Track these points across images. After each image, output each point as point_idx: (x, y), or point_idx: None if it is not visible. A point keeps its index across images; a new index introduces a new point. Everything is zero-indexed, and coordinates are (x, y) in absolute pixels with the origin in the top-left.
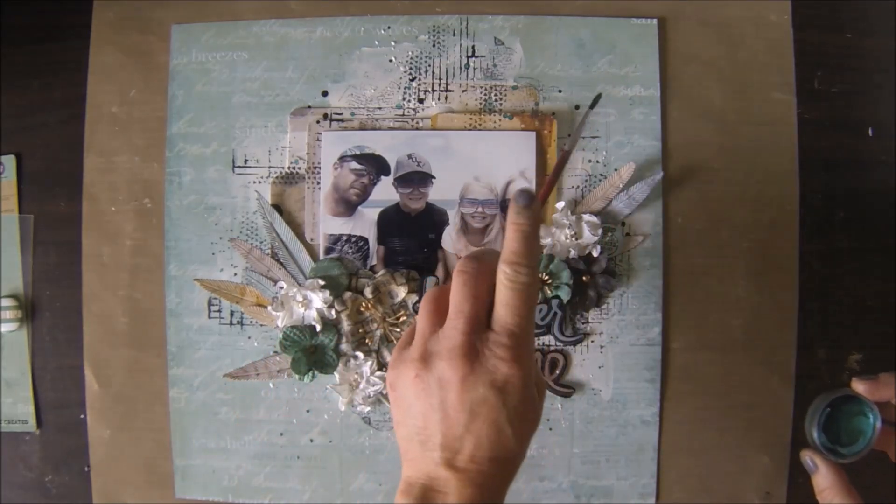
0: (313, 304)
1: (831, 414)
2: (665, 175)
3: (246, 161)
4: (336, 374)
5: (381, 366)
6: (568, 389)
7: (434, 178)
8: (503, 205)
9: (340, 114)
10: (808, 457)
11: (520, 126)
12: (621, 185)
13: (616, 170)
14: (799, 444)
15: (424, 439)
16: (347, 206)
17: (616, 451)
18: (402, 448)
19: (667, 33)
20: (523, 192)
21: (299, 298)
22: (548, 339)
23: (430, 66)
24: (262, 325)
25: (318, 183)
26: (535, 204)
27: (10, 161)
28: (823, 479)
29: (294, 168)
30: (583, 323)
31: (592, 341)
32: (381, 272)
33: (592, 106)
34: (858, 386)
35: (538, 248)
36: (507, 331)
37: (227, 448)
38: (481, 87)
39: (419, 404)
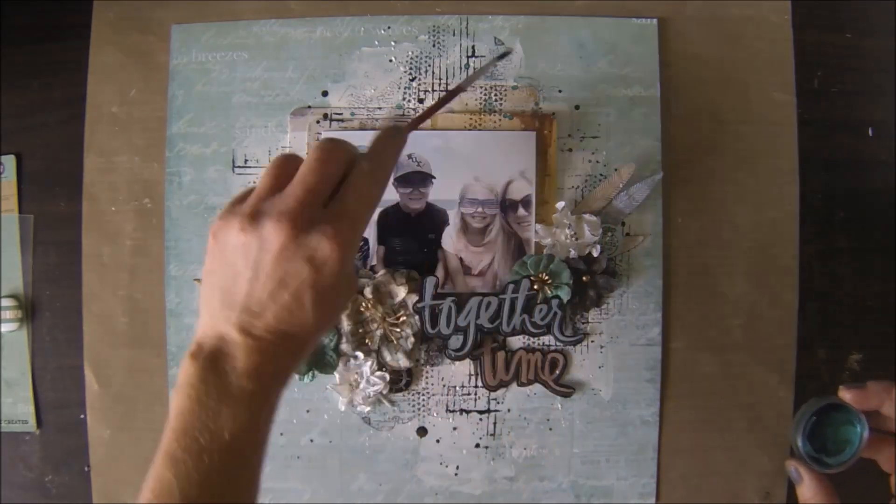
0: None
1: (817, 422)
2: (665, 175)
3: (246, 161)
4: (336, 374)
5: (381, 366)
6: (568, 389)
7: (434, 178)
8: (503, 205)
9: (340, 114)
10: (792, 467)
11: (520, 126)
12: (621, 185)
13: (616, 170)
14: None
15: (228, 296)
16: None
17: (616, 451)
18: (202, 301)
19: (667, 33)
20: (393, 125)
21: None
22: (548, 339)
23: (430, 66)
24: None
25: None
26: (400, 135)
27: (10, 161)
28: (808, 489)
29: None
30: (583, 323)
31: (592, 341)
32: (381, 272)
33: (500, 58)
34: (846, 394)
35: (392, 166)
36: (344, 211)
37: None
38: (481, 87)
39: (234, 259)
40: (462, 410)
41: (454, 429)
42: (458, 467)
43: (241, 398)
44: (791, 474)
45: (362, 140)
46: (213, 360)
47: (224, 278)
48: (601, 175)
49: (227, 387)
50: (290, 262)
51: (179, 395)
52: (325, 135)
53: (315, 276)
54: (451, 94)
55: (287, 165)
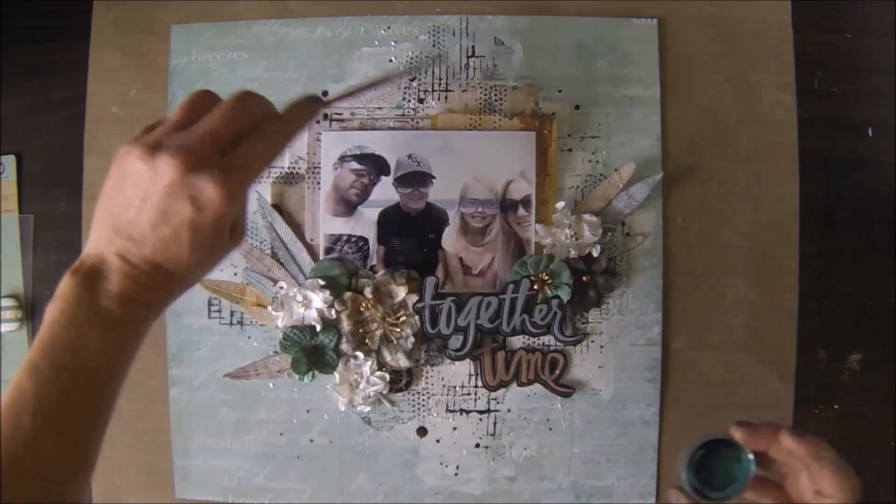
0: (313, 304)
1: (706, 455)
2: (665, 175)
3: None
4: (336, 374)
5: (381, 366)
6: (568, 389)
7: (434, 178)
8: (503, 205)
9: (340, 114)
10: (673, 496)
11: (520, 126)
12: (621, 185)
13: (616, 170)
14: None
15: (115, 220)
16: (347, 206)
17: (616, 451)
18: (94, 220)
19: (667, 33)
20: (311, 95)
21: (299, 298)
22: (548, 339)
23: (430, 65)
24: (262, 325)
25: (318, 183)
26: (317, 103)
27: (10, 161)
28: None
29: (294, 168)
30: (583, 323)
31: (592, 341)
32: (381, 272)
33: (436, 57)
34: (737, 432)
35: (298, 131)
36: (237, 163)
37: (227, 448)
38: (481, 87)
39: (128, 186)
40: (462, 410)
41: (454, 429)
42: (458, 467)
43: (109, 322)
44: (671, 501)
45: (362, 140)
46: (89, 278)
47: (115, 203)
48: (601, 175)
49: (97, 308)
50: (174, 198)
51: (54, 308)
52: (324, 134)
53: (195, 217)
54: (386, 79)
55: (201, 103)
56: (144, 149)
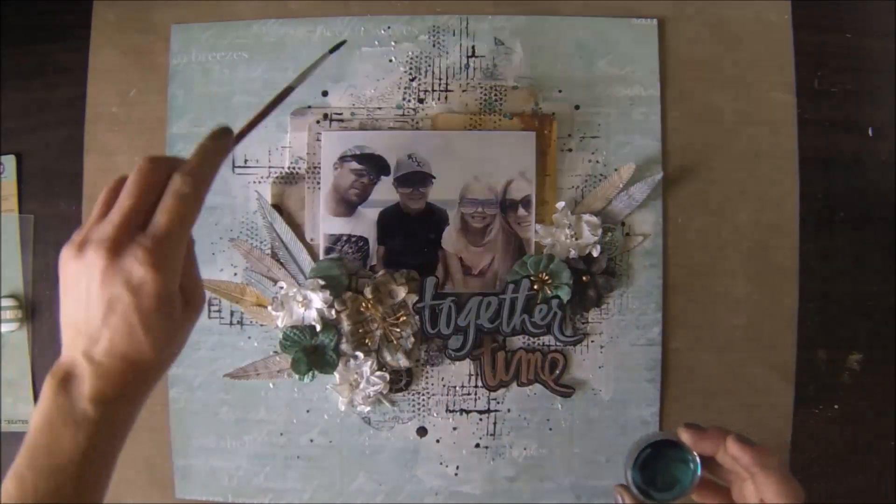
0: (313, 304)
1: (652, 455)
2: (665, 175)
3: (246, 161)
4: (336, 374)
5: (381, 366)
6: (568, 389)
7: (434, 178)
8: (503, 205)
9: (340, 114)
10: (618, 493)
11: (520, 126)
12: (621, 185)
13: (616, 170)
14: (798, 445)
15: (73, 322)
16: (347, 206)
17: (616, 451)
18: (61, 326)
19: (667, 33)
20: (222, 126)
21: (299, 298)
22: (548, 339)
23: (430, 66)
24: (262, 325)
25: (318, 183)
26: (228, 138)
27: (10, 161)
28: None
29: (294, 168)
30: (583, 323)
31: (592, 341)
32: (381, 272)
33: (332, 50)
34: (684, 434)
35: (214, 173)
36: (155, 236)
37: (227, 448)
38: (481, 87)
39: (72, 288)
40: (462, 410)
41: (454, 429)
42: (458, 467)
43: (83, 422)
44: (616, 500)
45: (362, 140)
46: (64, 382)
47: (68, 305)
48: (601, 175)
49: (71, 410)
50: (110, 286)
51: (36, 413)
52: (324, 134)
53: (135, 300)
54: (281, 96)
55: (116, 190)
56: (74, 248)
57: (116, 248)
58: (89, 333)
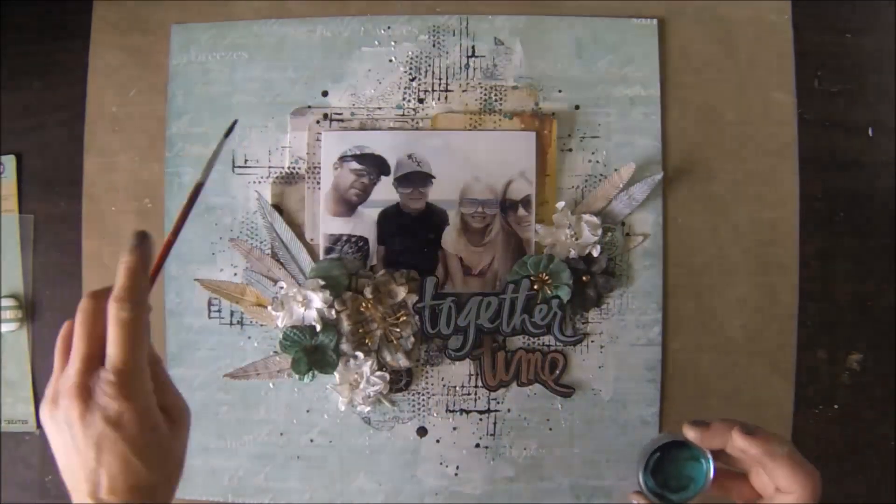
0: (313, 304)
1: (661, 458)
2: (665, 175)
3: (246, 161)
4: (336, 374)
5: (381, 366)
6: (568, 389)
7: (434, 178)
8: (503, 205)
9: (340, 114)
10: (634, 500)
11: (520, 126)
12: (621, 185)
13: (616, 170)
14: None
15: (71, 472)
16: (347, 206)
17: (616, 451)
18: (63, 479)
19: (667, 33)
20: (136, 233)
21: (299, 298)
22: (548, 339)
23: (430, 66)
24: (262, 325)
25: (318, 183)
26: (146, 243)
27: (10, 161)
28: None
29: (294, 168)
30: (583, 323)
31: (592, 341)
32: (381, 272)
33: (227, 134)
34: (689, 432)
35: (146, 285)
36: (114, 368)
37: (227, 448)
38: (481, 87)
39: (59, 442)
40: (462, 410)
41: (454, 429)
42: (458, 467)
43: None
44: None
45: (362, 140)
46: None
47: (60, 457)
48: (601, 175)
49: None
50: (92, 427)
51: None
52: (324, 134)
53: (119, 433)
54: (194, 194)
55: (67, 339)
56: (48, 404)
57: (84, 391)
58: (88, 478)
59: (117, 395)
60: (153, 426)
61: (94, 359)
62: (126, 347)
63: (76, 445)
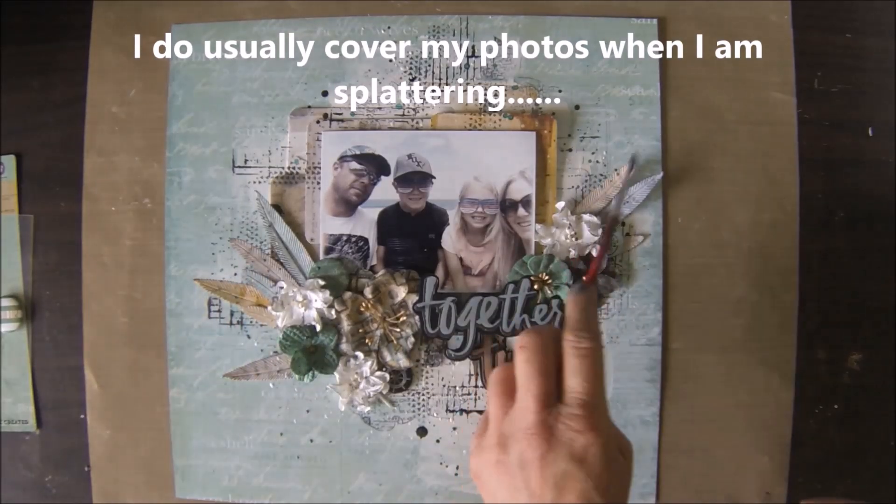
0: (313, 304)
1: None
2: (665, 175)
3: (246, 161)
4: (336, 374)
5: (381, 366)
6: None
7: (434, 178)
8: (503, 205)
9: (340, 114)
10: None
11: (520, 126)
12: (621, 185)
13: (616, 170)
14: (798, 445)
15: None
16: (347, 206)
17: None
18: None
19: (667, 33)
20: (578, 282)
21: (299, 298)
22: None
23: (430, 65)
24: (262, 325)
25: (318, 183)
26: (591, 288)
27: (10, 161)
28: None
29: (294, 168)
30: None
31: None
32: (381, 272)
33: (631, 168)
34: None
35: (597, 319)
36: (579, 400)
37: (227, 448)
38: (481, 87)
39: (504, 489)
40: (462, 410)
41: (454, 429)
42: (458, 467)
43: None
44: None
45: (362, 140)
46: None
47: (498, 496)
48: (601, 175)
49: None
50: (553, 467)
51: None
52: (324, 134)
53: (584, 469)
54: (612, 224)
55: (506, 381)
56: (496, 450)
57: (548, 429)
58: None
59: (584, 429)
60: (615, 459)
61: (550, 395)
62: (591, 378)
63: (531, 489)
